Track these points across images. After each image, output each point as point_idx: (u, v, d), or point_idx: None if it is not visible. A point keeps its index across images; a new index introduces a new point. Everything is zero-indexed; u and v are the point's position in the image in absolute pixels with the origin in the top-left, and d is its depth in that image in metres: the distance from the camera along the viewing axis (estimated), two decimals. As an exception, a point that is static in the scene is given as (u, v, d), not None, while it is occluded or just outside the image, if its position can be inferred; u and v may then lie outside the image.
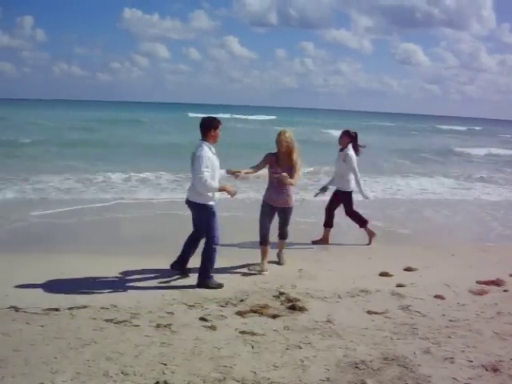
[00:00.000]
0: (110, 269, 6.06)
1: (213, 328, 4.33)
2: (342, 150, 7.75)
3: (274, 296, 5.24)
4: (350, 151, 7.60)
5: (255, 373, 3.53)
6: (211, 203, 5.60)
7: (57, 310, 4.67)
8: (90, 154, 18.17)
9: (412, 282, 5.84)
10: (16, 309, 4.65)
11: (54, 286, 5.43)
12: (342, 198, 7.79)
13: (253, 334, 4.21)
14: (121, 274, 5.96)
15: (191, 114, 55.93)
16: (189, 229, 5.94)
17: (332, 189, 8.03)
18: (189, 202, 5.70)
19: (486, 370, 3.66)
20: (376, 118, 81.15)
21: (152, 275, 5.91)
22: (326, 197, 8.15)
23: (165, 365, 3.60)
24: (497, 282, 5.89)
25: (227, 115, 54.88)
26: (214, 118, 5.75)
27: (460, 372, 3.62)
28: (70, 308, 4.71)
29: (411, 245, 8.09)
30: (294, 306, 4.90)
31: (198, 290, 5.45)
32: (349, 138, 7.68)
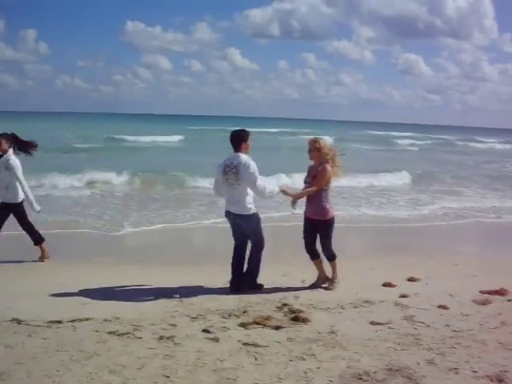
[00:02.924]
0: (112, 280, 6.06)
1: (216, 340, 4.31)
2: (1, 156, 6.80)
3: (276, 307, 5.22)
4: (12, 157, 6.71)
5: (258, 385, 3.51)
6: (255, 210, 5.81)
7: (59, 322, 4.66)
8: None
9: (415, 292, 5.82)
10: (18, 321, 4.64)
11: (57, 298, 5.42)
12: (11, 211, 6.83)
13: (256, 345, 4.19)
14: (123, 285, 5.95)
15: (190, 127, 55.86)
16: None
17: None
18: (235, 215, 5.76)
19: (491, 380, 3.63)
20: (383, 129, 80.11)
21: (154, 286, 5.90)
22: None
23: (168, 377, 3.58)
24: (500, 292, 5.86)
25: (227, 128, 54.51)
26: (243, 130, 5.79)
27: (465, 383, 3.59)
28: (73, 320, 4.70)
29: (414, 254, 8.06)
30: (297, 318, 4.87)
31: (200, 301, 5.42)
32: (8, 141, 6.78)
